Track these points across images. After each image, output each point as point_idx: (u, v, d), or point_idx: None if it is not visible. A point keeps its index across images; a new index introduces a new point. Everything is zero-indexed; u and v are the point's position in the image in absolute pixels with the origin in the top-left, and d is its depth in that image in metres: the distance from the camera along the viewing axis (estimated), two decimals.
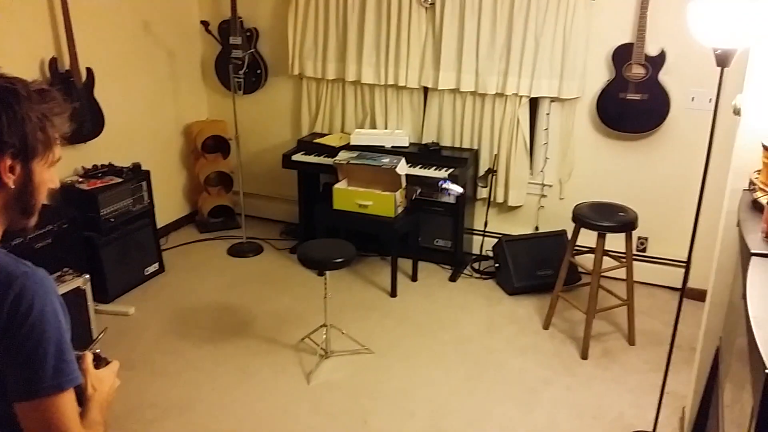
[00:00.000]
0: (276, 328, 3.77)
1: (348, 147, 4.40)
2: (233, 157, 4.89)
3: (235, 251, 4.73)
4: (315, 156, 4.47)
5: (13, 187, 1.19)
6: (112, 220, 3.96)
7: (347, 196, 4.12)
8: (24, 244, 3.39)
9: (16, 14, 3.63)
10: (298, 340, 3.63)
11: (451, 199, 4.33)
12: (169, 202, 4.96)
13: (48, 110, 1.20)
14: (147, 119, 4.69)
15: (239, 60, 4.74)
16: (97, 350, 1.43)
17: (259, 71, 4.85)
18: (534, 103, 4.30)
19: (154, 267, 4.34)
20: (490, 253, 4.46)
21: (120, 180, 4.04)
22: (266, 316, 3.90)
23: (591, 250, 3.53)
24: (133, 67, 4.50)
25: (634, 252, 4.23)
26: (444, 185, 3.74)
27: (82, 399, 1.28)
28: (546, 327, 3.78)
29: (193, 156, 5.07)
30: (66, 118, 1.25)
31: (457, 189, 3.78)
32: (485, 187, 4.46)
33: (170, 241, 4.88)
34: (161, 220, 4.58)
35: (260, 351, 3.56)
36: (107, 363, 1.42)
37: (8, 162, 1.17)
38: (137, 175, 4.17)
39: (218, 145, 5.01)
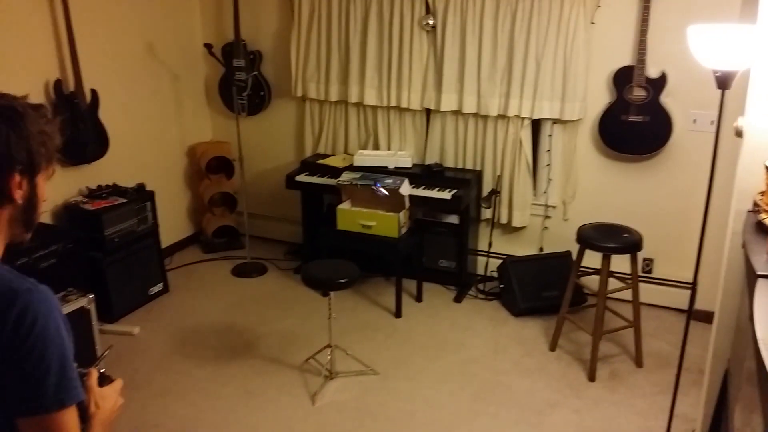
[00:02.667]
0: (280, 349, 3.76)
1: (351, 168, 4.42)
2: (237, 177, 4.91)
3: (239, 271, 4.73)
4: (318, 177, 4.49)
5: (20, 202, 1.21)
6: (117, 240, 3.97)
7: (351, 216, 4.13)
8: (28, 263, 3.39)
9: (21, 36, 3.67)
10: (302, 361, 3.62)
11: (454, 219, 4.35)
12: (173, 223, 4.97)
13: (44, 125, 1.23)
14: (151, 140, 4.71)
15: (242, 82, 4.78)
16: (102, 369, 1.43)
17: (262, 93, 4.88)
18: (536, 125, 4.33)
19: (159, 287, 4.34)
20: (495, 274, 4.46)
21: (124, 200, 4.05)
22: (270, 337, 3.89)
23: (596, 272, 3.53)
24: (138, 88, 4.54)
25: (640, 273, 4.24)
26: (376, 186, 4.04)
27: (85, 416, 1.28)
28: (552, 349, 3.77)
29: (197, 177, 5.09)
30: (58, 132, 1.27)
31: (384, 192, 4.02)
32: (489, 208, 4.47)
33: (174, 261, 4.88)
34: (165, 241, 4.59)
35: (264, 371, 3.55)
36: (111, 381, 1.41)
37: (17, 178, 1.19)
38: (142, 195, 4.18)
39: (222, 165, 5.03)
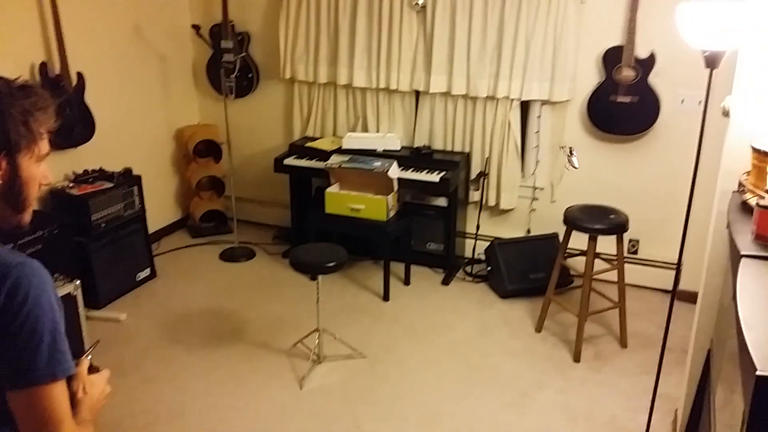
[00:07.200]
0: (268, 333, 3.76)
1: (340, 151, 4.40)
2: (225, 161, 4.88)
3: (228, 256, 4.72)
4: (307, 160, 4.46)
5: (0, 182, 1.21)
6: (103, 225, 3.94)
7: (339, 200, 4.12)
8: (13, 249, 3.35)
9: (5, 18, 3.61)
10: (290, 345, 3.62)
11: (442, 202, 4.34)
12: (160, 207, 4.94)
13: (31, 105, 1.22)
14: (138, 124, 4.67)
15: (230, 64, 4.73)
16: (89, 357, 1.44)
17: (250, 75, 4.84)
18: (525, 106, 4.31)
19: (146, 272, 4.32)
20: (483, 257, 4.46)
21: (111, 185, 4.02)
22: (258, 321, 3.89)
23: (582, 253, 3.54)
24: (124, 71, 4.49)
25: (626, 254, 4.25)
26: None
27: (73, 402, 1.28)
28: (538, 330, 3.78)
29: (185, 160, 5.05)
30: (51, 112, 1.26)
31: None
32: (477, 190, 4.46)
33: (162, 246, 4.86)
34: (153, 225, 4.56)
35: (253, 356, 3.55)
36: (98, 371, 1.43)
37: None
38: (128, 179, 4.14)
39: (210, 149, 4.99)
